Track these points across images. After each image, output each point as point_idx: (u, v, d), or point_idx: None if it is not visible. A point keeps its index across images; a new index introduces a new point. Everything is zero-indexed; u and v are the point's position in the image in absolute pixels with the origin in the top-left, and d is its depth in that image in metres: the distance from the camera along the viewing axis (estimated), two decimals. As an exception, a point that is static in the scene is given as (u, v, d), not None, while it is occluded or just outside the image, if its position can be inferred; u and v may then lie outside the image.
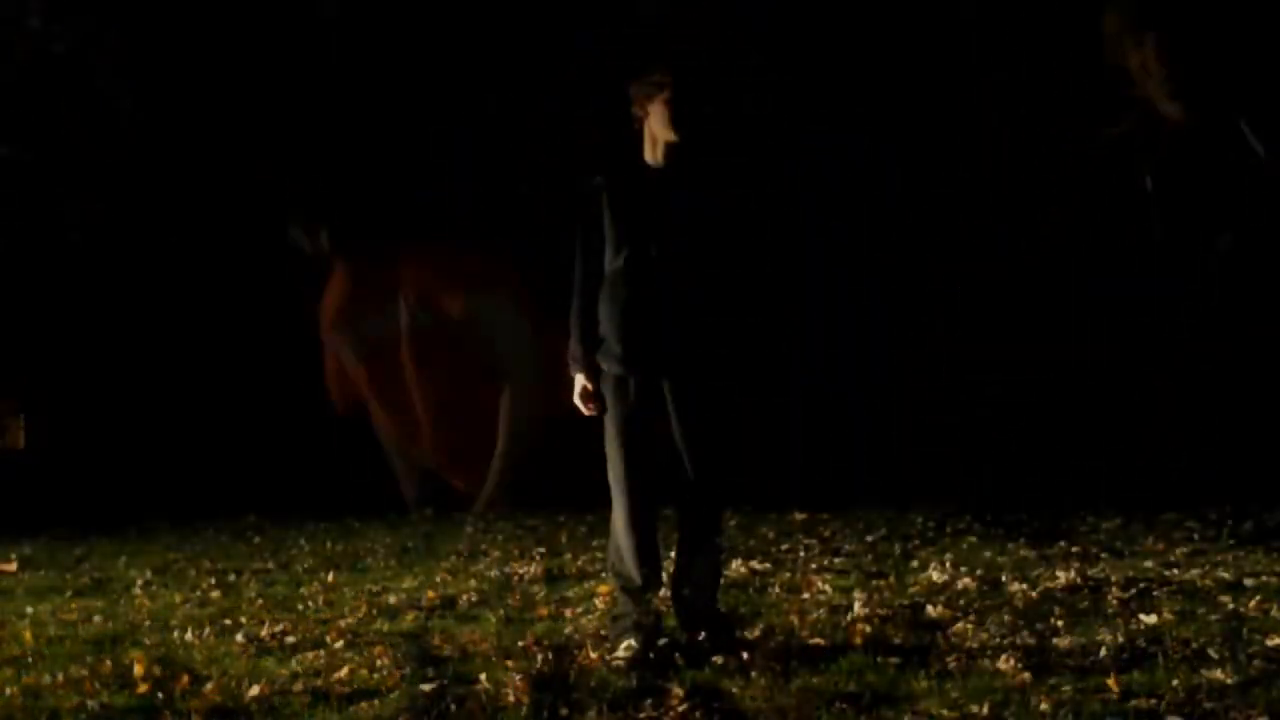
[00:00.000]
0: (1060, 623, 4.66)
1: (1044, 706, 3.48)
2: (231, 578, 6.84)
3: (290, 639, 4.88)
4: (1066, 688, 3.66)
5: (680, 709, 3.59)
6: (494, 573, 6.60)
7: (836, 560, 6.68)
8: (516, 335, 10.14)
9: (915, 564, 6.43)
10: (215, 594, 6.25)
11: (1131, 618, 4.70)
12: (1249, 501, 8.20)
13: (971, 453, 9.99)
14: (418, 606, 5.59)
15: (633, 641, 4.22)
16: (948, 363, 10.43)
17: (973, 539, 7.36)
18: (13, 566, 7.59)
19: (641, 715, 3.58)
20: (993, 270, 10.21)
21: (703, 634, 4.34)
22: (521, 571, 6.58)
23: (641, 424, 4.35)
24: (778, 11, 10.48)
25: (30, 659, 4.63)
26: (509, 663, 4.25)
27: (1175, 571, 5.90)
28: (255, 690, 3.98)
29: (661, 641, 4.24)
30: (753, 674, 3.93)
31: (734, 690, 3.78)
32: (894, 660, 4.05)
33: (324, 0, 11.19)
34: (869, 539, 7.55)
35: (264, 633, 5.02)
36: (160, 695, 3.98)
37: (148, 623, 5.41)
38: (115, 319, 12.39)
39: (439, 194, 11.19)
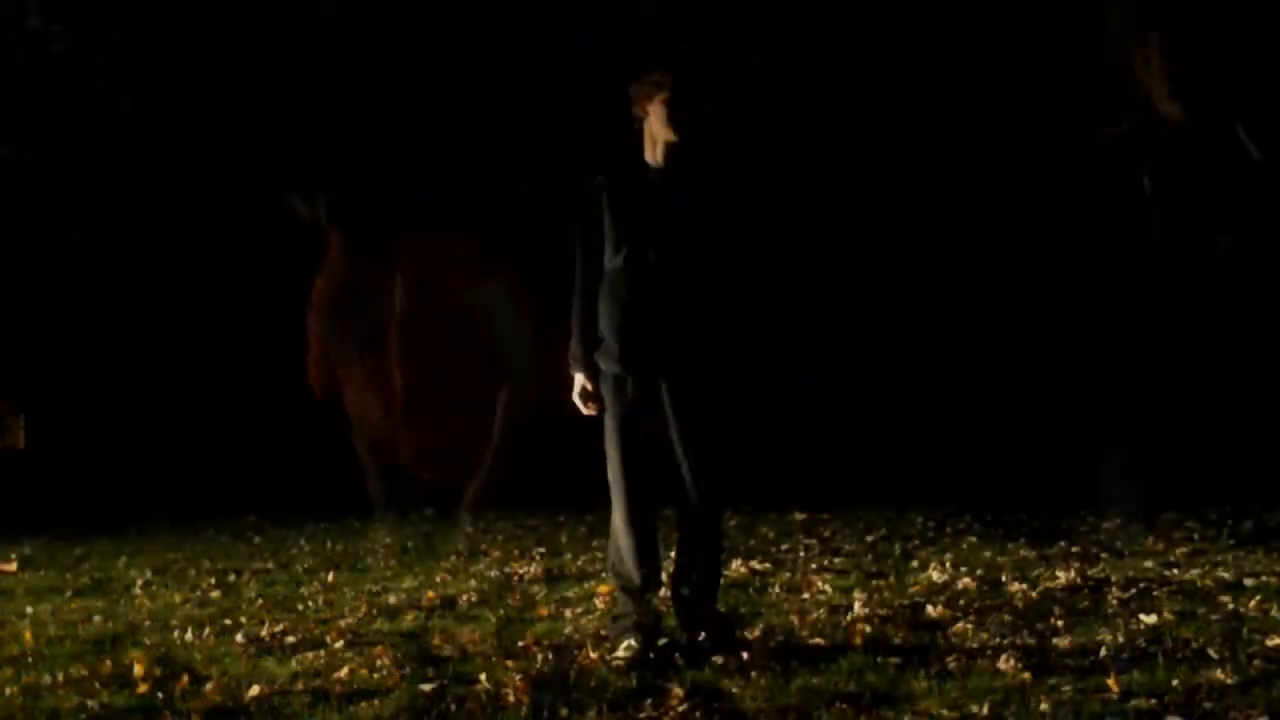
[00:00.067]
0: (1060, 623, 4.66)
1: (1044, 706, 3.49)
2: (231, 578, 6.84)
3: (290, 639, 4.88)
4: (1066, 688, 3.66)
5: (680, 709, 3.59)
6: (494, 573, 6.60)
7: (836, 560, 6.69)
8: (516, 333, 10.12)
9: (915, 564, 6.43)
10: (215, 594, 6.25)
11: (1131, 618, 4.70)
12: (1249, 501, 8.21)
13: (971, 453, 10.00)
14: (418, 606, 5.59)
15: (633, 641, 4.22)
16: (948, 363, 10.44)
17: (973, 539, 7.36)
18: (13, 566, 7.58)
19: (641, 715, 3.58)
20: (993, 270, 10.22)
21: (703, 634, 4.33)
22: (521, 571, 6.59)
23: (640, 424, 4.35)
24: (778, 11, 10.49)
25: (30, 659, 4.63)
26: (509, 663, 4.25)
27: (1175, 571, 5.90)
28: (255, 690, 3.97)
29: (661, 641, 4.24)
30: (753, 674, 3.93)
31: (734, 690, 3.78)
32: (894, 660, 4.05)
33: (324, 0, 11.19)
34: (869, 539, 7.55)
35: (264, 633, 5.02)
36: (160, 695, 3.98)
37: (148, 623, 5.41)
38: (115, 319, 12.40)
39: (439, 194, 11.20)
